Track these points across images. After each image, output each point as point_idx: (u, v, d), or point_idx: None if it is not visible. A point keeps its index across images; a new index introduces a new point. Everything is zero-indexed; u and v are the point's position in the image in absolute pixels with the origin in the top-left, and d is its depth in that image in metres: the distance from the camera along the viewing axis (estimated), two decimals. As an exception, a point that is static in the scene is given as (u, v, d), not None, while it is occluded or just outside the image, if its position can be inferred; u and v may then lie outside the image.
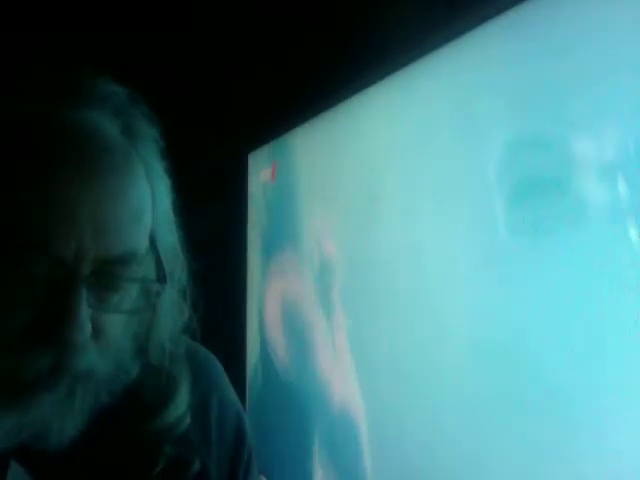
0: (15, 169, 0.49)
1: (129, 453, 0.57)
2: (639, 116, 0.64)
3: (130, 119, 0.56)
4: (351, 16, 1.28)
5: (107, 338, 0.53)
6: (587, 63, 0.71)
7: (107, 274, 0.51)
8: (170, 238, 0.60)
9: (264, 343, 1.61)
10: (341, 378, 1.22)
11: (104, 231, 0.50)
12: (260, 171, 1.68)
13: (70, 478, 0.56)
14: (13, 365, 0.48)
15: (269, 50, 1.57)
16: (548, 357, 0.75)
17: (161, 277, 0.56)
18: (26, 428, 0.50)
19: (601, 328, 0.68)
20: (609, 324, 0.67)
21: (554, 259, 0.74)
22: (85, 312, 0.49)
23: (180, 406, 0.60)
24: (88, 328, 0.49)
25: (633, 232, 0.64)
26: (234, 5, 1.60)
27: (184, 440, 0.60)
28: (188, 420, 0.61)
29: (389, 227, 1.09)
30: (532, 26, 0.79)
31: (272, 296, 1.58)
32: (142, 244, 0.54)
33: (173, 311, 0.61)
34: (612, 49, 0.68)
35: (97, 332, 0.51)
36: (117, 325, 0.54)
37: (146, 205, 0.55)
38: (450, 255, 0.93)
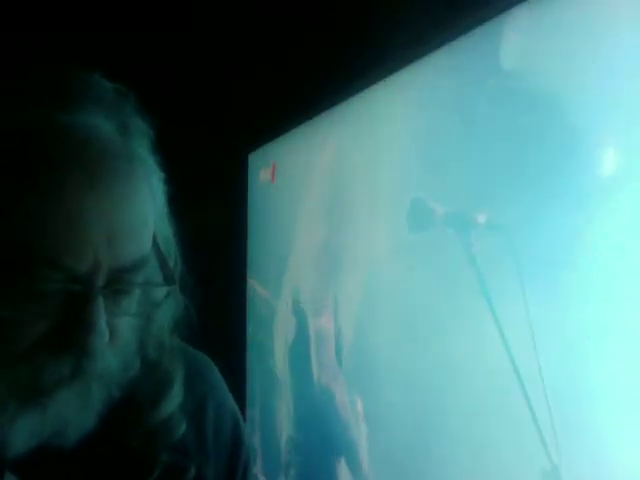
0: (23, 183, 0.48)
1: (125, 460, 0.57)
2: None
3: (124, 116, 0.55)
4: (351, 16, 1.28)
5: (119, 338, 0.53)
6: (589, 64, 0.71)
7: (120, 281, 0.51)
8: (166, 231, 0.59)
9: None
10: (342, 381, 1.22)
11: (117, 241, 0.50)
12: (260, 171, 1.68)
13: None
14: (35, 372, 0.49)
15: (269, 50, 1.57)
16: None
17: (168, 278, 0.56)
18: (47, 426, 0.51)
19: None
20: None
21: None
22: (103, 321, 0.50)
23: (174, 400, 0.60)
24: (106, 336, 0.50)
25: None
26: (234, 5, 1.60)
27: (180, 447, 0.60)
28: (184, 425, 0.60)
29: (390, 225, 1.09)
30: (533, 26, 0.79)
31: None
32: (149, 246, 0.54)
33: (170, 303, 0.61)
34: (614, 51, 0.68)
35: (111, 335, 0.51)
36: (126, 324, 0.55)
37: (150, 207, 0.55)
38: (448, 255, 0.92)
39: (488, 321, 0.83)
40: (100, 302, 0.49)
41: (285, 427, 1.44)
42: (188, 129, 1.64)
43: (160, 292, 0.56)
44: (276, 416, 1.51)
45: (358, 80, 1.17)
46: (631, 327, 0.65)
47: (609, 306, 0.68)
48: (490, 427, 0.84)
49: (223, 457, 0.65)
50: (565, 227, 0.73)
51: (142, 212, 0.53)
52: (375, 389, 1.11)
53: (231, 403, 0.69)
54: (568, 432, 0.72)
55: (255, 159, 1.74)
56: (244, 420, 0.71)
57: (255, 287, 1.70)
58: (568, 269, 0.72)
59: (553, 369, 0.74)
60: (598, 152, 0.69)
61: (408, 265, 1.03)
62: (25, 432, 0.51)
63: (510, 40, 0.83)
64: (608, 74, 0.68)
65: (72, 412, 0.52)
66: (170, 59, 1.64)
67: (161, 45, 1.62)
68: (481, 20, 0.87)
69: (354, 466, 1.17)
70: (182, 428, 0.60)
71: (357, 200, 1.20)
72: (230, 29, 1.64)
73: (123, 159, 0.52)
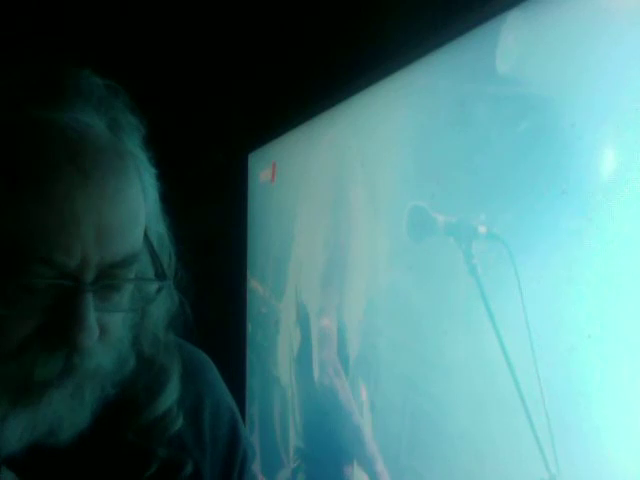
0: (13, 181, 0.48)
1: (122, 456, 0.57)
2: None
3: (114, 112, 0.55)
4: (351, 16, 1.28)
5: (111, 335, 0.53)
6: (587, 66, 0.71)
7: (110, 277, 0.51)
8: (158, 227, 0.59)
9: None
10: (347, 385, 1.22)
11: (106, 237, 0.50)
12: (260, 171, 1.68)
13: None
14: (26, 369, 0.49)
15: (269, 50, 1.57)
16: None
17: (160, 273, 0.56)
18: (39, 425, 0.51)
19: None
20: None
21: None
22: (92, 317, 0.50)
23: (171, 395, 0.60)
24: (96, 332, 0.50)
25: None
26: (234, 3, 1.60)
27: (177, 442, 0.60)
28: (181, 420, 0.61)
29: (390, 225, 1.09)
30: (530, 27, 0.79)
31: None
32: (140, 242, 0.54)
33: (165, 299, 0.61)
34: (612, 53, 0.68)
35: (102, 331, 0.51)
36: (118, 320, 0.55)
37: (141, 203, 0.54)
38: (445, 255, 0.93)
39: (488, 326, 0.82)
40: (89, 298, 0.49)
41: (292, 436, 1.43)
42: (188, 129, 1.64)
43: (152, 287, 0.56)
44: (275, 415, 1.51)
45: (358, 80, 1.17)
46: (632, 331, 0.65)
47: (610, 309, 0.67)
48: (488, 433, 0.84)
49: (220, 453, 0.66)
50: (565, 230, 0.73)
51: (133, 208, 0.53)
52: (376, 392, 1.12)
53: (228, 400, 0.69)
54: (567, 441, 0.72)
55: (255, 159, 1.74)
56: (244, 419, 0.71)
57: (255, 287, 1.70)
58: (568, 272, 0.72)
59: (552, 374, 0.74)
60: (598, 153, 0.69)
61: (409, 265, 1.03)
62: (18, 430, 0.51)
63: (509, 42, 0.83)
64: (607, 76, 0.68)
65: (65, 410, 0.52)
66: (170, 59, 1.64)
67: (161, 45, 1.63)
68: (480, 21, 0.87)
69: (361, 471, 1.17)
70: (179, 423, 0.60)
71: (357, 200, 1.20)
72: (230, 28, 1.64)
73: (114, 155, 0.52)
